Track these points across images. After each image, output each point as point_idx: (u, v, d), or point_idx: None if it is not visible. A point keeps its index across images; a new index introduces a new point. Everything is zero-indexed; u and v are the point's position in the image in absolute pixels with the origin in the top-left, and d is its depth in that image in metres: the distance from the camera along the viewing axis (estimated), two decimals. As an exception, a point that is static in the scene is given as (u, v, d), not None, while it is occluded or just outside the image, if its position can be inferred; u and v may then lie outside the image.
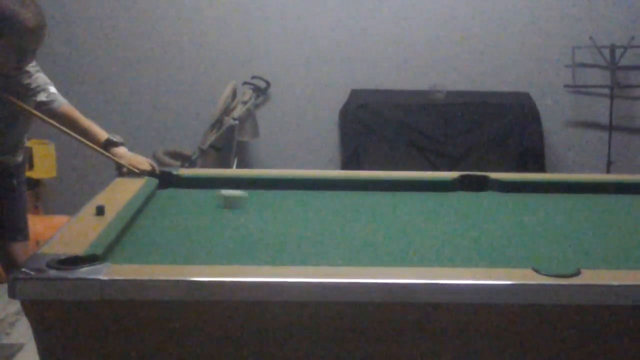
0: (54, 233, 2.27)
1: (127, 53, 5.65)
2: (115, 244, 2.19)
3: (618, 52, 5.47)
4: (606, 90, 5.58)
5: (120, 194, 2.68)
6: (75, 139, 3.10)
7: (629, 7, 5.62)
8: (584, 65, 5.59)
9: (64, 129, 3.08)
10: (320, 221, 2.63)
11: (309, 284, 1.90)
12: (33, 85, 3.09)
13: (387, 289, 1.90)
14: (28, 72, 3.09)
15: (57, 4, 5.38)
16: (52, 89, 3.15)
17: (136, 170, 3.05)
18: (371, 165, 5.12)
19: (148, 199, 2.75)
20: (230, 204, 2.75)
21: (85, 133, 3.11)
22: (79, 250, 2.02)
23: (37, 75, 3.13)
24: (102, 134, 3.12)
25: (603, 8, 5.62)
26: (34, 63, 3.12)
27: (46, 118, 3.07)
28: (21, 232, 3.33)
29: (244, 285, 1.89)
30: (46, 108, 3.10)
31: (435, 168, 5.24)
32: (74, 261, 1.93)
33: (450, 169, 4.97)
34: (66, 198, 5.33)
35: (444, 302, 1.90)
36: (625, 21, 5.61)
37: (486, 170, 3.21)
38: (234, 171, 4.49)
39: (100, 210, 2.40)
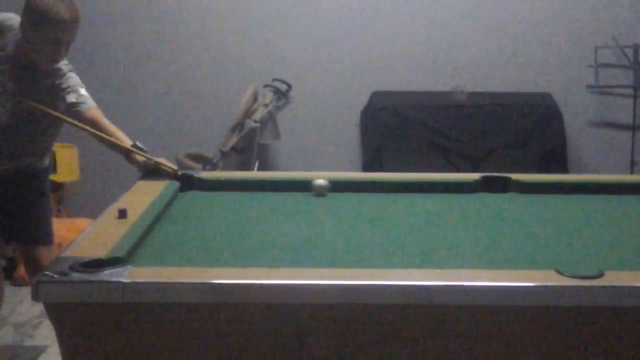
0: (76, 236, 2.28)
1: (149, 57, 5.68)
2: (138, 247, 2.19)
3: (641, 51, 5.43)
4: (629, 91, 5.53)
5: (142, 197, 2.69)
6: (104, 141, 3.13)
7: (652, 5, 5.57)
8: (606, 65, 5.55)
9: (93, 130, 3.11)
10: (341, 224, 2.62)
11: (330, 286, 1.90)
12: (64, 85, 3.13)
13: (408, 291, 1.90)
14: (61, 70, 3.13)
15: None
16: (83, 91, 3.18)
17: (167, 169, 3.06)
18: (393, 167, 5.12)
19: (170, 202, 2.76)
20: (318, 192, 2.98)
21: (110, 137, 3.13)
22: (101, 253, 2.03)
23: (70, 75, 3.17)
24: (127, 140, 3.14)
25: (626, 8, 5.58)
26: (66, 61, 3.16)
27: (77, 123, 3.11)
28: (46, 236, 3.36)
29: (265, 287, 1.89)
30: (75, 110, 3.13)
31: (457, 169, 5.23)
32: (97, 264, 1.93)
33: (472, 170, 4.95)
34: (89, 201, 5.37)
35: (465, 304, 1.89)
36: (648, 20, 5.56)
37: (509, 171, 3.19)
38: (255, 174, 4.51)
39: (122, 214, 2.42)
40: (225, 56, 5.69)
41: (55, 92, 3.14)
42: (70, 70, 3.19)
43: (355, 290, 1.90)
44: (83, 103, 3.14)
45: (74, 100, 3.14)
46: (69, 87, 3.14)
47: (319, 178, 3.01)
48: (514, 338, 1.90)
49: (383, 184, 3.12)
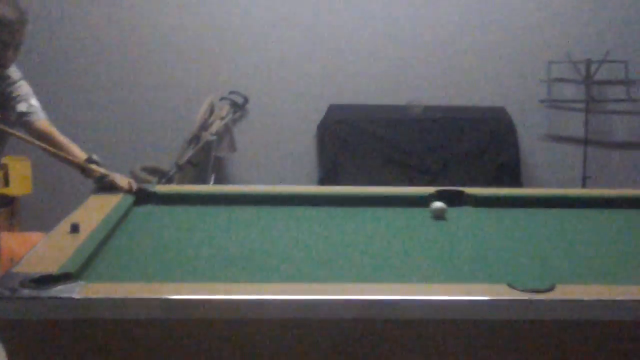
0: (28, 250, 2.25)
1: (104, 68, 5.63)
2: (90, 262, 2.17)
3: (593, 67, 5.52)
4: (581, 105, 5.62)
5: (96, 212, 2.67)
6: (57, 156, 3.06)
7: (604, 22, 5.68)
8: (559, 80, 5.63)
9: (46, 146, 3.03)
10: (296, 237, 2.62)
11: (286, 301, 1.90)
12: (14, 94, 3.06)
13: (363, 306, 1.90)
14: (10, 77, 3.06)
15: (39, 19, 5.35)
16: (34, 101, 3.11)
17: (122, 185, 3.01)
18: (349, 181, 5.12)
19: (124, 216, 2.73)
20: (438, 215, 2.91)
21: (63, 150, 3.06)
22: (52, 268, 2.00)
23: (21, 84, 3.10)
24: (81, 154, 3.08)
25: (578, 23, 5.68)
26: (16, 69, 3.09)
27: (28, 138, 3.02)
28: None
29: (220, 302, 1.88)
30: (25, 120, 3.06)
31: (413, 183, 5.25)
32: (48, 280, 1.91)
33: (428, 184, 4.97)
34: (41, 215, 5.28)
35: (419, 318, 1.90)
36: (600, 36, 5.66)
37: (463, 185, 3.22)
38: (211, 187, 4.49)
39: (74, 228, 2.39)
40: (182, 68, 5.66)
41: (6, 101, 3.06)
42: (21, 79, 3.12)
43: (308, 305, 1.90)
44: (34, 113, 3.08)
45: (24, 109, 3.06)
46: (19, 95, 3.07)
47: (437, 203, 2.95)
48: (468, 352, 1.92)
49: (338, 198, 3.12)
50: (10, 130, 3.03)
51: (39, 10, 5.37)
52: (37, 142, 3.03)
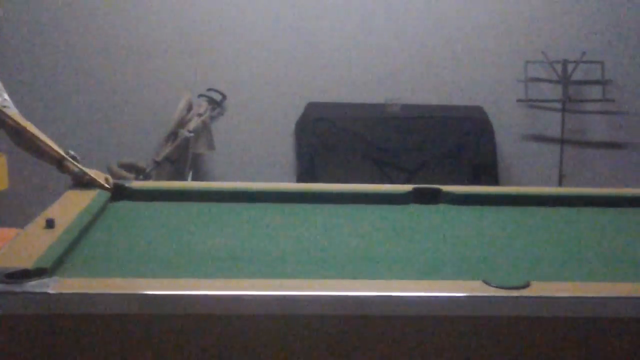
0: (2, 246, 2.23)
1: (80, 63, 5.60)
2: (65, 258, 2.16)
3: (570, 67, 5.57)
4: (558, 105, 5.67)
5: (71, 207, 2.65)
6: (32, 151, 3.02)
7: (580, 23, 5.72)
8: (536, 79, 5.67)
9: (25, 131, 2.96)
10: (274, 234, 2.62)
11: (262, 297, 1.90)
12: None
13: (340, 302, 1.91)
14: None
15: (15, 15, 5.32)
16: (6, 96, 3.07)
17: (99, 182, 2.98)
18: (327, 178, 5.13)
19: (100, 212, 2.72)
20: None
21: (40, 145, 3.01)
22: (27, 263, 1.99)
23: None
24: (57, 149, 3.04)
25: (555, 24, 5.72)
26: None
27: (15, 123, 2.95)
28: None
29: (194, 298, 1.88)
30: None
31: (390, 181, 5.26)
32: (22, 275, 1.90)
33: (405, 182, 5.00)
34: (17, 210, 5.24)
35: (394, 314, 1.91)
36: (576, 37, 5.71)
37: (441, 183, 3.23)
38: (188, 184, 4.48)
39: (50, 223, 2.37)
40: (160, 65, 5.64)
41: None
42: None
43: (286, 301, 1.90)
44: (8, 107, 3.04)
45: None
46: None
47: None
48: (443, 348, 1.93)
49: (316, 195, 3.12)
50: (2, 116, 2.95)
51: (15, 8, 5.33)
52: (24, 133, 2.95)
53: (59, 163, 3.01)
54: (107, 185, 2.99)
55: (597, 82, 5.67)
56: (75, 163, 2.99)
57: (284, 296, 1.90)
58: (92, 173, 3.01)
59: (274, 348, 1.90)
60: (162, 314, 1.87)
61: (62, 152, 3.01)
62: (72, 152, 3.04)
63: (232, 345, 1.90)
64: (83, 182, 2.99)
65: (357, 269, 2.24)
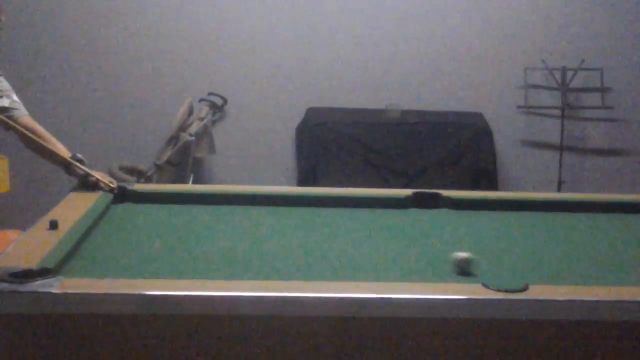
0: (3, 248, 2.25)
1: (83, 67, 5.62)
2: (69, 258, 2.18)
3: (569, 74, 5.59)
4: (557, 112, 5.69)
5: (74, 209, 2.67)
6: (42, 151, 3.03)
7: (579, 30, 5.75)
8: (535, 86, 5.70)
9: (34, 137, 2.98)
10: (274, 236, 2.64)
11: (262, 298, 1.92)
12: None
13: (339, 304, 1.93)
14: None
15: (19, 18, 5.34)
16: (15, 97, 3.09)
17: (105, 184, 3.00)
18: (327, 183, 5.15)
19: (102, 214, 2.74)
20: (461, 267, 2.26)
21: (48, 148, 3.03)
22: (31, 263, 2.01)
23: (0, 80, 3.08)
24: (65, 150, 3.07)
25: (554, 31, 5.75)
26: None
27: (17, 126, 2.96)
28: None
29: (196, 299, 1.90)
30: (8, 115, 3.02)
31: (390, 186, 5.28)
32: (27, 274, 1.92)
33: (405, 187, 5.02)
34: (19, 213, 5.26)
35: (395, 316, 1.93)
36: (575, 44, 5.74)
37: (440, 188, 3.25)
38: (189, 187, 4.50)
39: (53, 225, 2.39)
40: (161, 69, 5.66)
41: None
42: (0, 75, 3.11)
43: (288, 302, 1.92)
44: (17, 109, 3.06)
45: (6, 104, 3.03)
46: (0, 91, 3.05)
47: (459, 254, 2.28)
48: (442, 350, 1.95)
49: (316, 199, 3.15)
50: (11, 123, 2.97)
51: (17, 10, 5.36)
52: (27, 133, 2.98)
53: (66, 166, 3.04)
54: (112, 186, 3.01)
55: (596, 89, 5.69)
56: (81, 166, 3.02)
57: (284, 297, 1.92)
58: (98, 175, 3.04)
59: (275, 349, 1.92)
60: (164, 314, 1.89)
61: (69, 155, 3.04)
62: (79, 155, 3.07)
63: (233, 345, 1.92)
64: (88, 185, 3.01)
65: (357, 272, 2.26)
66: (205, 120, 5.45)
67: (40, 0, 5.55)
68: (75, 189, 3.03)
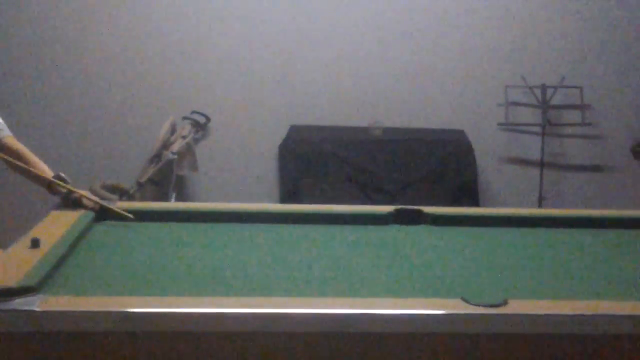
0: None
1: (65, 86, 5.63)
2: (50, 276, 2.17)
3: (549, 91, 5.65)
4: (538, 129, 5.74)
5: (56, 227, 2.66)
6: (26, 173, 3.02)
7: (559, 48, 5.82)
8: (516, 104, 5.75)
9: (15, 162, 2.97)
10: (257, 253, 2.65)
11: (244, 315, 1.92)
12: None
13: (322, 320, 1.94)
14: None
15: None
16: None
17: (89, 202, 2.99)
18: (310, 200, 5.16)
19: (84, 232, 2.74)
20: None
21: (31, 167, 3.01)
22: (12, 282, 2.01)
23: None
24: (48, 170, 3.07)
25: (535, 49, 5.81)
26: None
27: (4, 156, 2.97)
28: None
29: (178, 316, 1.90)
30: None
31: (373, 203, 5.30)
32: (7, 293, 1.91)
33: (387, 204, 5.03)
34: (0, 231, 5.24)
35: (376, 331, 1.94)
36: (555, 62, 5.80)
37: (423, 205, 3.27)
38: (172, 204, 4.49)
39: (35, 243, 2.39)
40: (144, 87, 5.68)
41: None
42: None
43: (271, 319, 1.93)
44: (1, 130, 3.06)
45: None
46: None
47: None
48: (423, 365, 1.96)
49: (299, 216, 3.15)
50: None
51: None
52: (8, 158, 2.98)
53: (49, 184, 3.03)
54: (94, 206, 3.01)
55: (576, 107, 5.75)
56: (64, 185, 3.02)
57: (268, 314, 1.93)
58: (82, 194, 3.03)
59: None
60: (148, 331, 1.89)
61: (52, 174, 3.03)
62: (62, 174, 3.06)
63: (215, 362, 1.92)
64: (71, 203, 3.01)
65: (339, 287, 2.27)
66: (187, 139, 5.46)
67: (17, 22, 5.55)
68: (57, 207, 3.02)
